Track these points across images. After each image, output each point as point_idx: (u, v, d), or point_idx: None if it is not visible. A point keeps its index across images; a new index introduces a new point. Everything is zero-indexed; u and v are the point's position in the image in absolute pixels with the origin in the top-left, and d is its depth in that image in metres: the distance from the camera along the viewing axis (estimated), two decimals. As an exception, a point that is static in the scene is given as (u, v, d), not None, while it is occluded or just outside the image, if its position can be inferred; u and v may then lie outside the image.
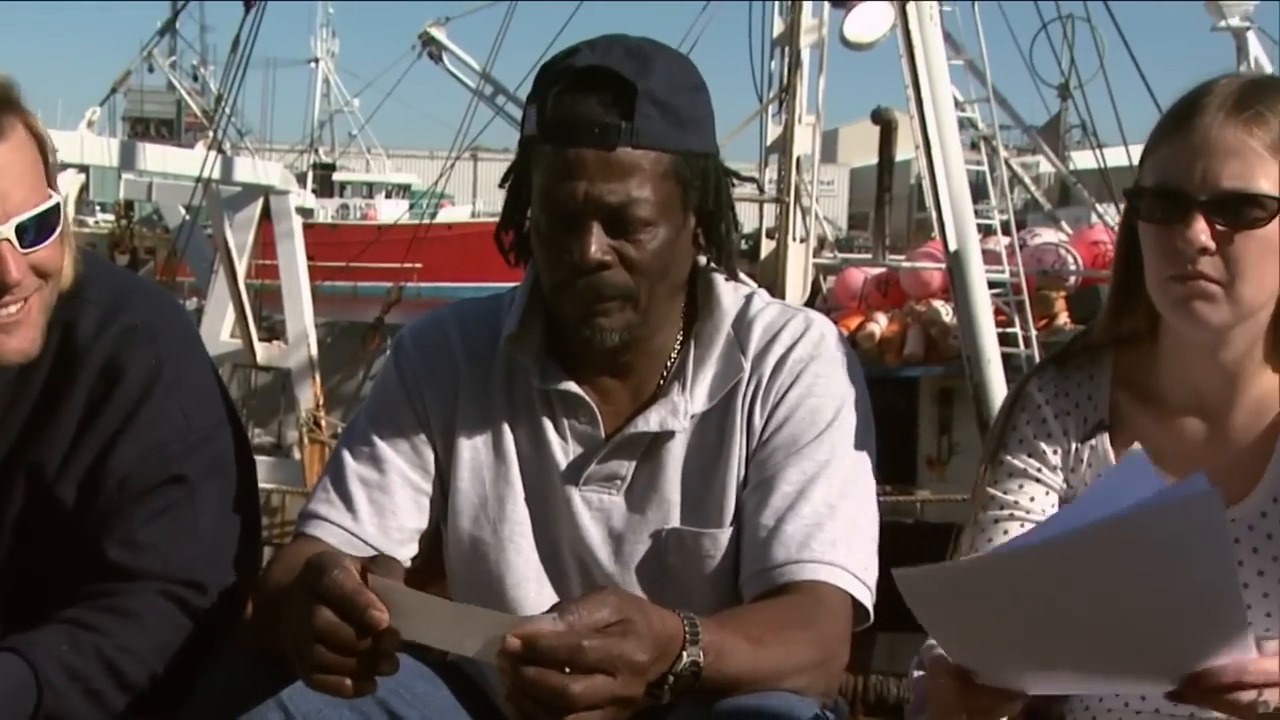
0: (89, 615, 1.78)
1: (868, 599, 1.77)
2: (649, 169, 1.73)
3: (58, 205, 1.78)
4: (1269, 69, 15.73)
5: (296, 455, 14.19)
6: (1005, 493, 1.90)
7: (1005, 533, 1.91)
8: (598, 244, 1.74)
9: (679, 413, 1.83)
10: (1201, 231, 1.66)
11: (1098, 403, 1.87)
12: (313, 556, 1.54)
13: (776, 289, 10.94)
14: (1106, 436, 1.85)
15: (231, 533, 1.89)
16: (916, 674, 1.80)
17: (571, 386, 1.85)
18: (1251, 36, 16.24)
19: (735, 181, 1.87)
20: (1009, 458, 1.90)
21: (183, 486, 1.84)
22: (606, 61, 1.73)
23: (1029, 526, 1.89)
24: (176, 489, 1.84)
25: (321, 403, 14.16)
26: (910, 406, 12.73)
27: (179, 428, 1.85)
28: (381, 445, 1.87)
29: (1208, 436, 1.82)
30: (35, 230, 1.74)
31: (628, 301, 1.77)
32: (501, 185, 1.86)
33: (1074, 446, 1.87)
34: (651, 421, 1.83)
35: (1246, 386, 1.79)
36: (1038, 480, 1.89)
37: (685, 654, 1.51)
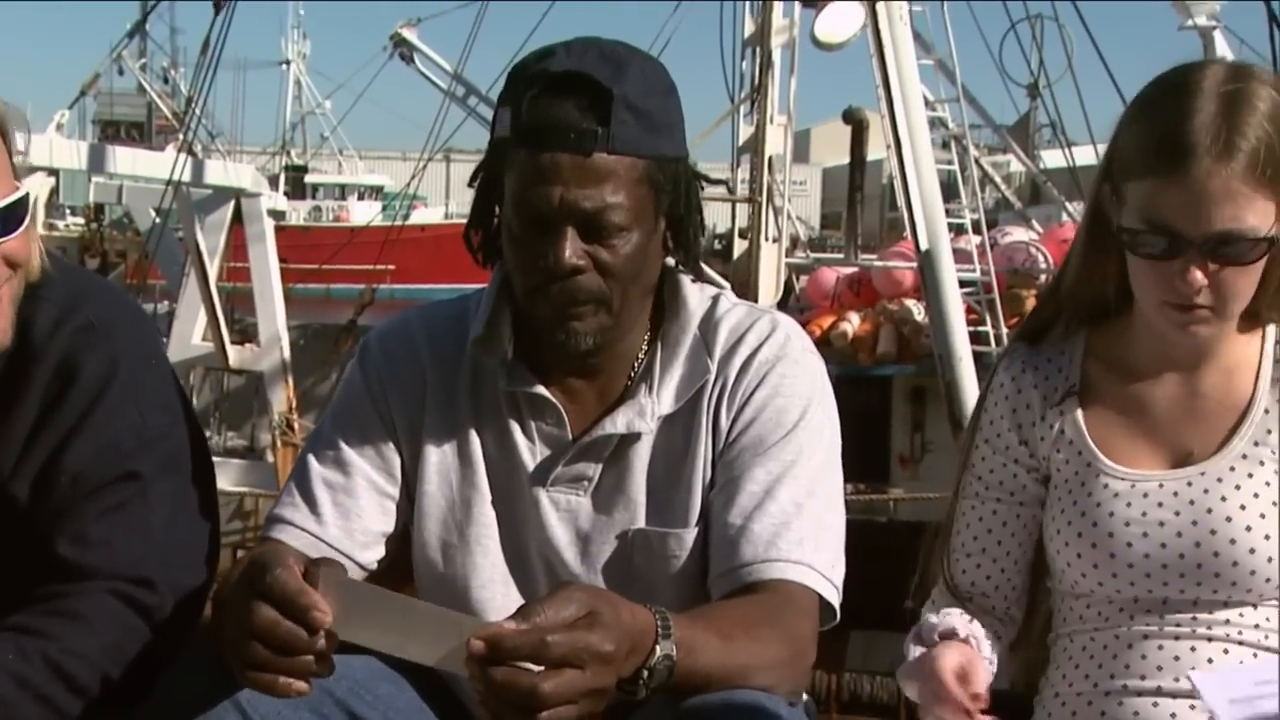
0: (35, 620, 1.76)
1: (835, 597, 1.78)
2: (624, 175, 1.74)
3: (26, 195, 1.79)
4: (1236, 68, 15.78)
5: (269, 458, 14.11)
6: (980, 476, 1.96)
7: (980, 519, 1.95)
8: (572, 249, 1.74)
9: (646, 415, 1.84)
10: (1199, 271, 1.73)
11: (1069, 373, 1.94)
12: (257, 554, 1.55)
13: (749, 289, 10.94)
14: (1076, 400, 1.91)
15: (186, 531, 1.88)
16: (915, 650, 1.84)
17: (539, 389, 1.85)
18: (1218, 36, 16.34)
19: (704, 184, 1.89)
20: (984, 441, 1.97)
21: (135, 483, 1.83)
22: (582, 66, 1.74)
23: (1000, 511, 1.96)
24: (129, 486, 1.83)
25: (294, 405, 14.08)
26: (883, 405, 12.76)
27: (134, 425, 1.84)
28: (346, 449, 1.87)
29: (1179, 399, 1.89)
30: (3, 222, 1.75)
31: (601, 305, 1.78)
32: (470, 184, 1.86)
33: (1044, 413, 1.93)
34: (619, 424, 1.84)
35: (1219, 352, 1.87)
36: (1004, 463, 1.95)
37: (659, 648, 1.52)
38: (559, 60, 1.75)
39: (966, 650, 1.81)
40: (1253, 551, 1.80)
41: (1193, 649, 1.83)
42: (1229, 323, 1.83)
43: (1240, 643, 1.83)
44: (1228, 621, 1.83)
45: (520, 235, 1.77)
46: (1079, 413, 1.91)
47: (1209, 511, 1.82)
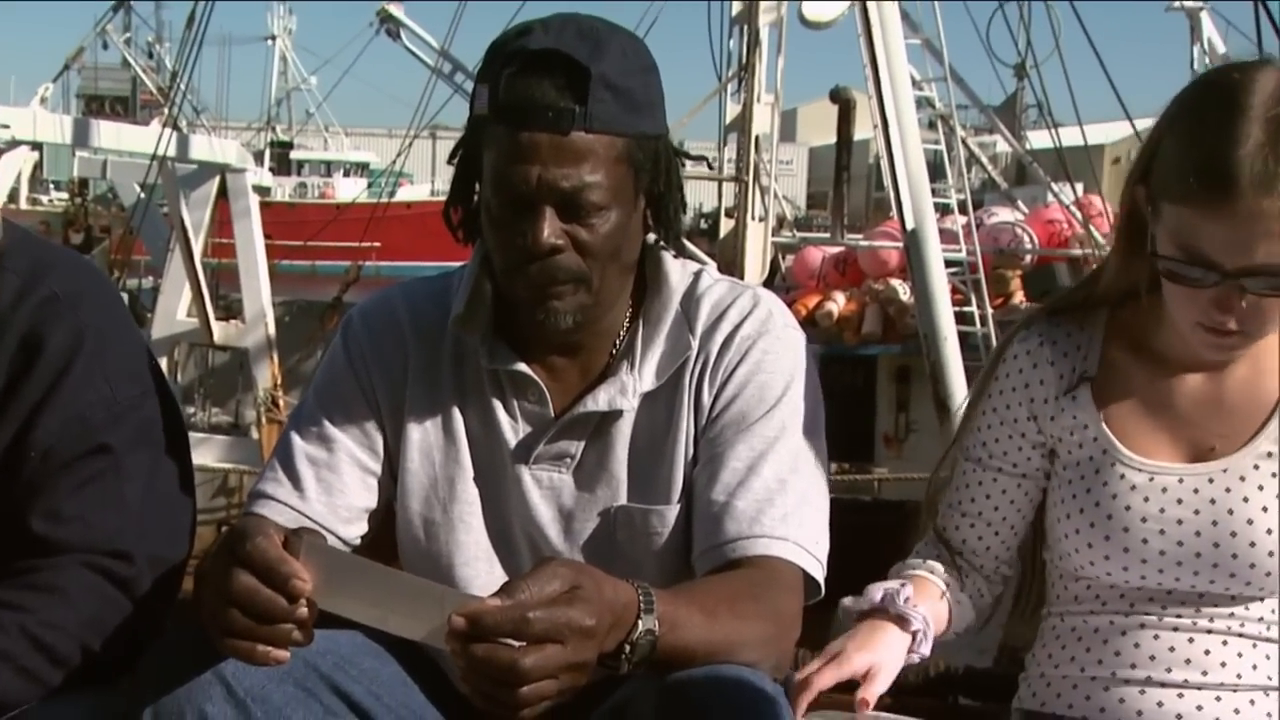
0: (11, 594, 1.76)
1: (819, 572, 1.78)
2: (602, 153, 1.73)
3: None
4: (1221, 50, 15.87)
5: (254, 435, 14.08)
6: (984, 443, 1.95)
7: (979, 484, 1.95)
8: (550, 228, 1.73)
9: (627, 392, 1.84)
10: (1236, 302, 1.70)
11: (1087, 354, 1.90)
12: (237, 523, 1.54)
13: (735, 268, 10.94)
14: (1088, 388, 1.88)
15: (161, 503, 1.86)
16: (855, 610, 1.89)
17: (520, 367, 1.85)
18: (1205, 17, 16.37)
19: (684, 162, 1.88)
20: (991, 410, 1.94)
21: (108, 456, 1.81)
22: (559, 44, 1.72)
23: (1000, 480, 1.95)
24: (101, 459, 1.81)
25: (279, 382, 14.03)
26: (868, 385, 12.80)
27: (104, 397, 1.82)
28: (329, 424, 1.87)
29: (1205, 391, 1.85)
30: None
31: (580, 284, 1.77)
32: (450, 162, 1.86)
33: (1059, 393, 1.89)
34: (600, 401, 1.84)
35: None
36: (1010, 436, 1.93)
37: (641, 623, 1.52)
38: (537, 37, 1.74)
39: (878, 659, 1.83)
40: (1271, 554, 1.78)
41: (1190, 640, 1.82)
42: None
43: (1241, 635, 1.82)
44: (1232, 615, 1.82)
45: (499, 214, 1.76)
46: (1097, 398, 1.87)
47: (1230, 512, 1.79)
